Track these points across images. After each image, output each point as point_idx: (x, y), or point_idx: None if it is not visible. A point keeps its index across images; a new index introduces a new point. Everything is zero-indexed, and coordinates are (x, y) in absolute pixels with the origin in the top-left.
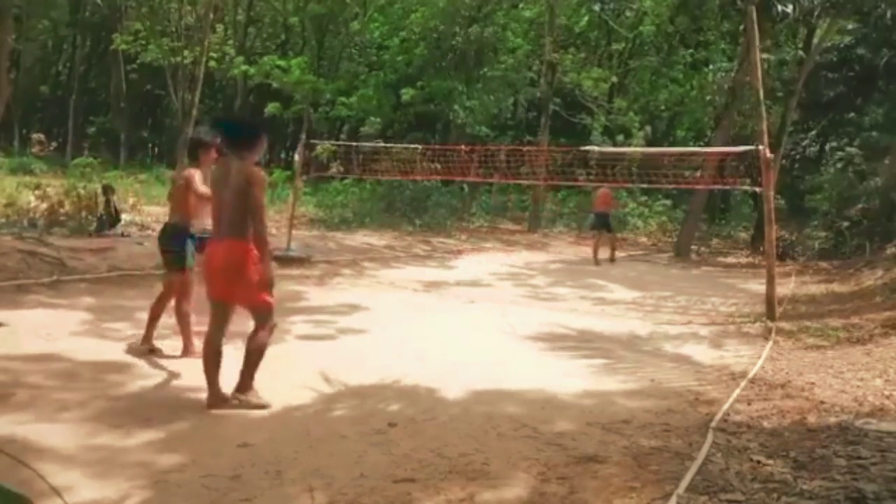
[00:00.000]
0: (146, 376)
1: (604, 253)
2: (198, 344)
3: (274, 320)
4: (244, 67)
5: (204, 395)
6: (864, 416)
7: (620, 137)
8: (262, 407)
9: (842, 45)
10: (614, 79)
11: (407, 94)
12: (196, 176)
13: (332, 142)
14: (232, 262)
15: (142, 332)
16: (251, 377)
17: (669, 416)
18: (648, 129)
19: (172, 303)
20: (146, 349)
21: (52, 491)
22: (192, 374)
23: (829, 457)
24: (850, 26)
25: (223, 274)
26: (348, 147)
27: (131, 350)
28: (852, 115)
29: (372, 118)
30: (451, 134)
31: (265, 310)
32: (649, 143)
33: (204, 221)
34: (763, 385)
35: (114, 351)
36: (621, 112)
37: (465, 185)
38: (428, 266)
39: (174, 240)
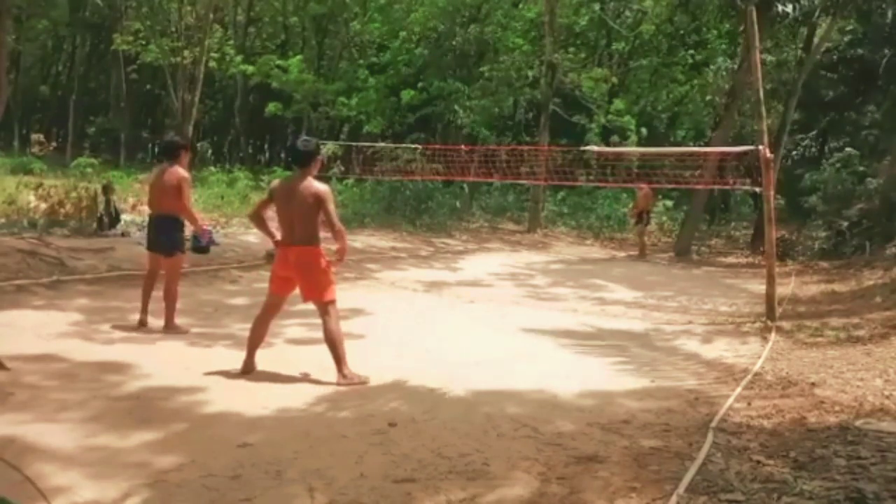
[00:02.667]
0: (145, 376)
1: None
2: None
3: (338, 309)
4: (244, 67)
5: (203, 396)
6: (864, 416)
7: (616, 138)
8: (364, 382)
9: (842, 45)
10: (614, 79)
11: (407, 94)
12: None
13: (333, 142)
14: (305, 265)
15: (139, 333)
16: (343, 362)
17: (669, 416)
18: (644, 130)
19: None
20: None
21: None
22: (191, 374)
23: (829, 457)
24: (850, 27)
25: (294, 272)
26: (349, 147)
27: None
28: (852, 114)
29: (374, 120)
30: (451, 134)
31: (329, 303)
32: (646, 144)
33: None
34: (763, 385)
35: (113, 351)
36: (620, 113)
37: (465, 185)
38: (430, 267)
39: (168, 228)
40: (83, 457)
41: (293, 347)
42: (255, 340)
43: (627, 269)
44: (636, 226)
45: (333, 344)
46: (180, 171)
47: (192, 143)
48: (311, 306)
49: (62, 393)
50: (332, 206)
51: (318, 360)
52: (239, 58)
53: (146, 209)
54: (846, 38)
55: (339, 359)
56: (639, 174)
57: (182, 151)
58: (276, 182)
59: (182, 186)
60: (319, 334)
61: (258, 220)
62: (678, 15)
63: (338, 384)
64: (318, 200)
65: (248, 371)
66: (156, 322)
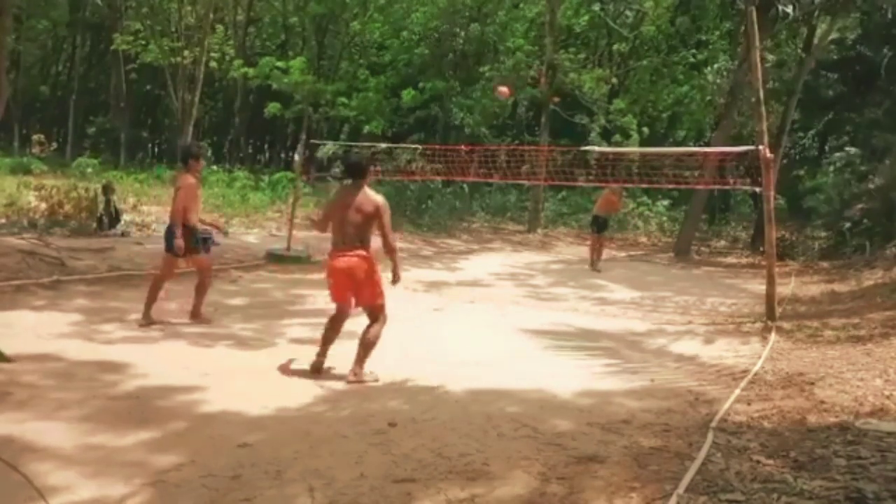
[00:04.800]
0: (145, 376)
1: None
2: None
3: (387, 315)
4: (244, 70)
5: (202, 395)
6: (864, 416)
7: (617, 138)
8: (375, 380)
9: (842, 45)
10: (615, 79)
11: (408, 94)
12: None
13: (334, 142)
14: (358, 270)
15: (138, 332)
16: (363, 362)
17: (669, 416)
18: (646, 130)
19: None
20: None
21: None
22: (191, 374)
23: (829, 457)
24: (850, 26)
25: (350, 279)
26: (349, 147)
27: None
28: (852, 114)
29: (374, 120)
30: (451, 134)
31: (380, 309)
32: (646, 144)
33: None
34: (763, 385)
35: (113, 351)
36: (621, 113)
37: (465, 186)
38: (431, 267)
39: (189, 232)
40: (82, 456)
41: (295, 347)
42: (326, 341)
43: (627, 270)
44: (593, 234)
45: (367, 345)
46: (185, 179)
47: (198, 149)
48: (313, 304)
49: (61, 392)
50: (388, 219)
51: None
52: (239, 60)
53: (146, 209)
54: (846, 38)
55: (361, 358)
56: (639, 174)
57: (190, 159)
58: (332, 195)
59: (178, 192)
60: (321, 334)
61: (324, 231)
62: (679, 16)
63: (347, 380)
64: (377, 211)
65: (317, 370)
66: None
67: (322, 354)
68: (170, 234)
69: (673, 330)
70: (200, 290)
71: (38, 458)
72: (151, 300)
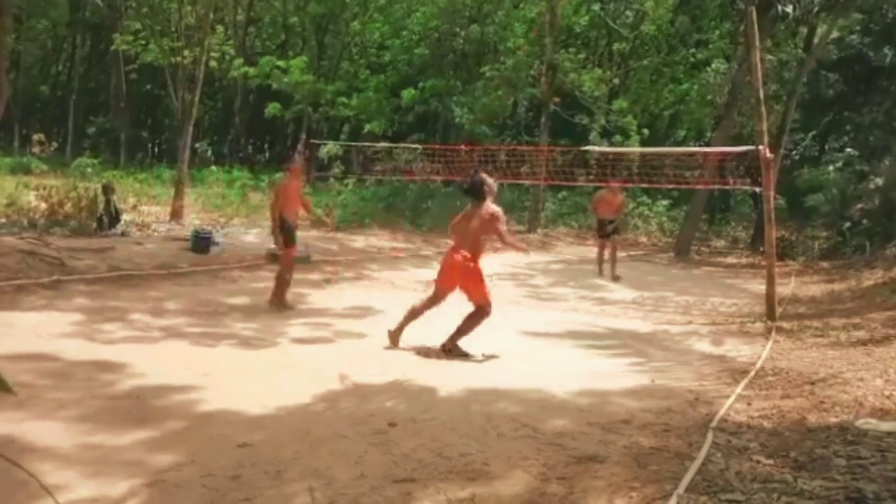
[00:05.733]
0: (145, 376)
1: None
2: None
3: (489, 311)
4: (244, 69)
5: (202, 395)
6: (864, 416)
7: (618, 138)
8: (466, 356)
9: (842, 45)
10: (615, 80)
11: (408, 94)
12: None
13: (334, 142)
14: (465, 267)
15: (138, 332)
16: (459, 338)
17: (669, 416)
18: (646, 131)
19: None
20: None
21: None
22: (191, 374)
23: (829, 457)
24: (848, 24)
25: (459, 273)
26: (349, 147)
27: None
28: (852, 114)
29: (374, 120)
30: (451, 133)
31: (484, 302)
32: (646, 144)
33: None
34: (763, 385)
35: (113, 351)
36: (621, 114)
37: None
38: (431, 267)
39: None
40: (81, 455)
41: (296, 347)
42: (409, 318)
43: (628, 269)
44: (603, 238)
45: (465, 327)
46: (282, 182)
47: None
48: (314, 304)
49: (60, 392)
50: (502, 225)
51: (320, 360)
52: (239, 60)
53: (146, 209)
54: (846, 38)
55: (460, 332)
56: (639, 174)
57: (290, 165)
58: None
59: (275, 194)
60: (322, 334)
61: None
62: (679, 16)
63: (442, 347)
64: (492, 217)
65: (394, 342)
66: (156, 321)
67: (401, 329)
68: (288, 230)
69: (673, 330)
70: (282, 280)
71: (37, 458)
72: (283, 287)
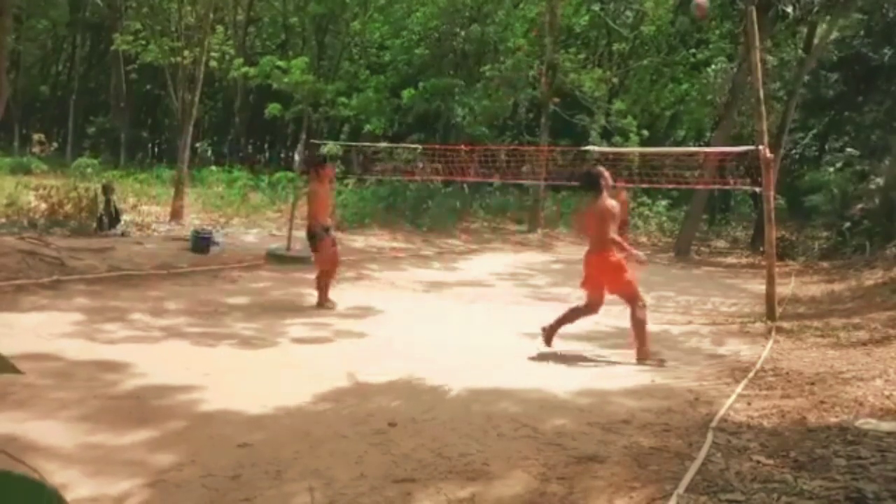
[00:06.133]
0: (145, 375)
1: None
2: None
3: (643, 298)
4: (244, 69)
5: (203, 395)
6: (864, 416)
7: (618, 139)
8: (661, 362)
9: (842, 45)
10: (615, 80)
11: (408, 94)
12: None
13: (334, 142)
14: (607, 267)
15: (138, 332)
16: (644, 343)
17: (669, 416)
18: (645, 132)
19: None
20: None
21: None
22: (191, 374)
23: (829, 457)
24: (848, 24)
25: (601, 276)
26: (349, 147)
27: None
28: (852, 114)
29: (374, 120)
30: (452, 134)
31: (633, 294)
32: (646, 145)
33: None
34: (763, 385)
35: (113, 351)
36: (621, 114)
37: (465, 186)
38: (431, 267)
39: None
40: (81, 455)
41: (296, 347)
42: (565, 320)
43: None
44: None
45: (638, 327)
46: (312, 185)
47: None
48: (314, 304)
49: (61, 392)
50: (610, 222)
51: (320, 360)
52: (239, 60)
53: (146, 209)
54: (846, 38)
55: (641, 339)
56: (639, 174)
57: (318, 168)
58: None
59: (309, 198)
60: (323, 333)
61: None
62: (679, 16)
63: (637, 360)
64: (606, 213)
65: (548, 341)
66: (156, 321)
67: (554, 329)
68: (312, 236)
69: (673, 330)
70: (319, 280)
71: (38, 457)
72: (325, 288)
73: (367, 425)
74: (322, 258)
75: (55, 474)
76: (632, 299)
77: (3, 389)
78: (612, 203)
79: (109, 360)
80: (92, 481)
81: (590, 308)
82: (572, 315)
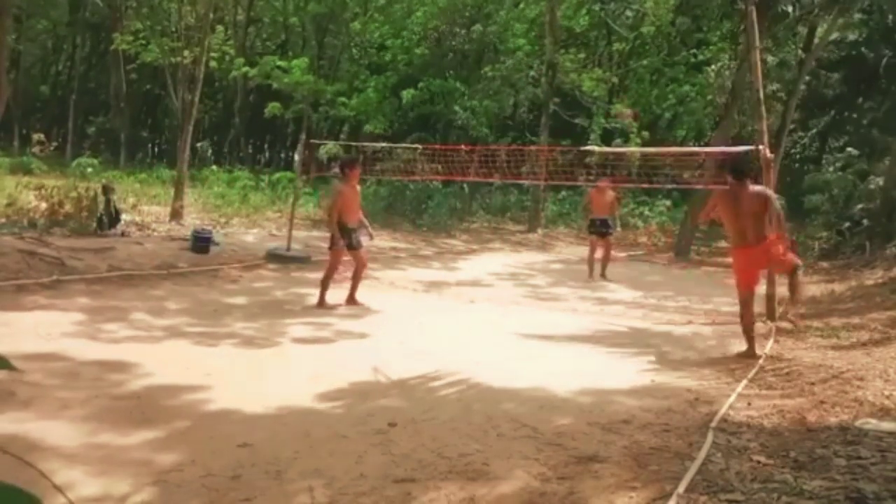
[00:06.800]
0: (147, 375)
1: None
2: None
3: (800, 263)
4: (245, 69)
5: (204, 395)
6: (864, 416)
7: (618, 140)
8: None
9: (842, 45)
10: (615, 80)
11: (408, 94)
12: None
13: (334, 142)
14: (772, 257)
15: (139, 332)
16: (796, 298)
17: (669, 416)
18: (646, 134)
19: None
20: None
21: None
22: (192, 374)
23: (829, 457)
24: (849, 24)
25: (760, 260)
26: (349, 147)
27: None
28: (852, 114)
29: (374, 120)
30: (452, 134)
31: (789, 266)
32: (647, 145)
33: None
34: (763, 385)
35: (114, 350)
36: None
37: (465, 186)
38: (430, 267)
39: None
40: (85, 455)
41: (296, 347)
42: (750, 325)
43: (627, 269)
44: (597, 237)
45: (795, 288)
46: (338, 187)
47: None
48: (313, 304)
49: (64, 392)
50: (776, 205)
51: (320, 360)
52: (240, 60)
53: (146, 209)
54: (846, 38)
55: (794, 298)
56: (639, 174)
57: (346, 169)
58: (717, 195)
59: (333, 197)
60: (322, 334)
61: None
62: (679, 16)
63: (786, 318)
64: (767, 203)
65: (751, 355)
66: (157, 321)
67: (751, 340)
68: (344, 232)
69: (673, 330)
70: (356, 279)
71: (42, 457)
72: (325, 288)
73: (367, 425)
74: (332, 261)
75: (59, 473)
76: (791, 270)
77: (7, 389)
78: (763, 189)
79: (111, 360)
80: (96, 481)
81: (748, 302)
82: (749, 315)
